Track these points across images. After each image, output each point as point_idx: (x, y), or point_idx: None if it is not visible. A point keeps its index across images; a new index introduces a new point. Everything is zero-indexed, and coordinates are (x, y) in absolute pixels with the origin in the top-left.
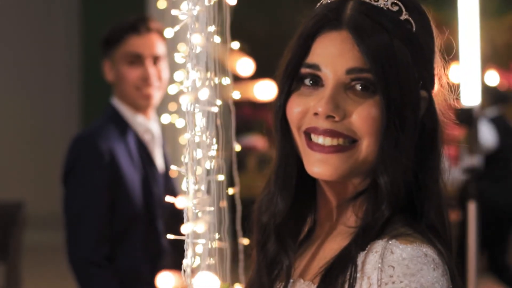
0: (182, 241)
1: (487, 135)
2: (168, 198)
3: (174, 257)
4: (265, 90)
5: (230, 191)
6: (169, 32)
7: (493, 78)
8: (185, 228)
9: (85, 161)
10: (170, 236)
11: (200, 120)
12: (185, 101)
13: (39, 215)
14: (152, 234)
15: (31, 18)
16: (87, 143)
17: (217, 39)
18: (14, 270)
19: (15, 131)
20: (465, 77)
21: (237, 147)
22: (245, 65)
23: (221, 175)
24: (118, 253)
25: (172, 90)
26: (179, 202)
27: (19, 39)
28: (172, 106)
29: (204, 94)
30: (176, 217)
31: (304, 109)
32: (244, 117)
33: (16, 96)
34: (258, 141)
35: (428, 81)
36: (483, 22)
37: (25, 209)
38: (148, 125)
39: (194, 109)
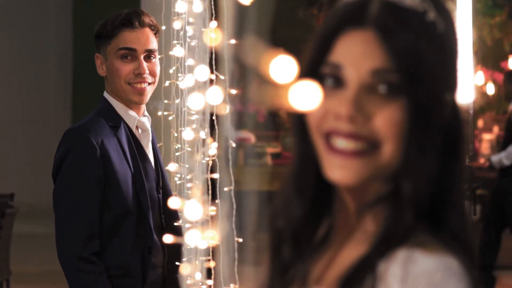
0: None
1: None
2: (173, 202)
3: (164, 254)
4: (304, 95)
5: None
6: (176, 24)
7: (482, 78)
8: (189, 238)
9: (76, 155)
10: (169, 238)
11: (197, 118)
12: (193, 100)
13: (29, 206)
14: (143, 230)
15: (23, 12)
16: (78, 137)
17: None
18: (4, 259)
19: (7, 125)
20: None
21: (233, 144)
22: (284, 67)
23: (216, 174)
24: (108, 249)
25: (166, 85)
26: (176, 205)
27: (11, 33)
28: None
29: (212, 93)
30: (169, 213)
31: (325, 111)
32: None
33: (7, 91)
34: (247, 136)
35: (453, 84)
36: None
37: (16, 200)
38: (140, 119)
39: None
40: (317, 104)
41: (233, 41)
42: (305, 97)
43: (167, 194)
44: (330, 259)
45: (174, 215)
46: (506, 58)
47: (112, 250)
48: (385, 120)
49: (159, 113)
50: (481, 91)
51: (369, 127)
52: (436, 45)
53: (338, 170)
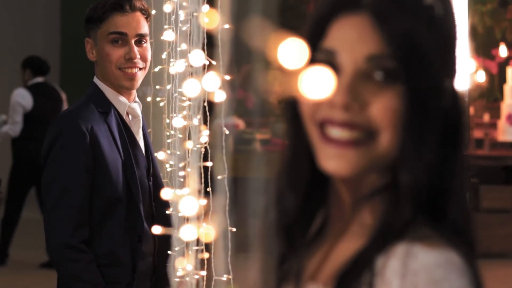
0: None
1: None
2: (165, 193)
3: (155, 243)
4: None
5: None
6: (167, 8)
7: (473, 65)
8: (183, 233)
9: (65, 141)
10: (158, 229)
11: (189, 104)
12: (189, 86)
13: None
14: (133, 218)
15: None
16: (68, 123)
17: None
18: None
19: None
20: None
21: (227, 131)
22: (294, 52)
23: (210, 162)
24: (97, 237)
25: (156, 70)
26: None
27: None
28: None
29: (208, 79)
30: (159, 201)
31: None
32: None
33: None
34: (236, 122)
35: (452, 70)
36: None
37: (4, 186)
38: (130, 105)
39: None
40: (329, 92)
41: (227, 26)
42: (317, 84)
43: (157, 181)
44: (325, 253)
45: (165, 203)
46: (497, 46)
47: (101, 238)
48: (382, 108)
49: (148, 99)
50: (472, 79)
51: (365, 116)
52: (434, 30)
53: (333, 160)
